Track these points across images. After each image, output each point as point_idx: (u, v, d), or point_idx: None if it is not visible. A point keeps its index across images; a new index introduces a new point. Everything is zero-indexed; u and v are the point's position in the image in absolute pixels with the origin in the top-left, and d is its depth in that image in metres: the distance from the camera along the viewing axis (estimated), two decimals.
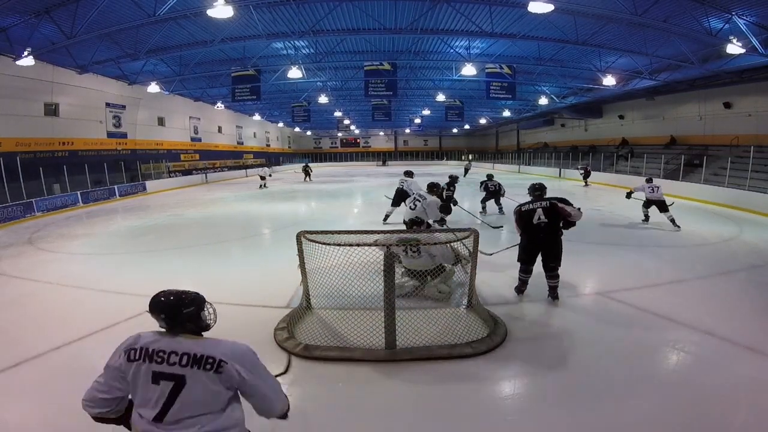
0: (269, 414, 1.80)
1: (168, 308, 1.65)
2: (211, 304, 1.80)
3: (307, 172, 25.43)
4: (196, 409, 1.56)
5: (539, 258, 4.64)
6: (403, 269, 4.77)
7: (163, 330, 1.68)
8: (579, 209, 4.49)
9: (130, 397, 1.66)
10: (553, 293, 4.66)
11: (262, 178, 21.46)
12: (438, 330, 3.81)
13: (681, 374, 3.31)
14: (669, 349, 3.66)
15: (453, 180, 9.73)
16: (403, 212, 7.05)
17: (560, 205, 4.45)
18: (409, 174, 9.86)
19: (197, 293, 1.76)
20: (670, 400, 2.85)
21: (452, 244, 4.39)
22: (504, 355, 3.53)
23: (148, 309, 1.68)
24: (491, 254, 5.99)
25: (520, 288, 4.86)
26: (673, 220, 8.88)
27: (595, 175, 21.06)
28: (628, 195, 10.12)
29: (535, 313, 4.44)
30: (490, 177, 11.13)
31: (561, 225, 4.50)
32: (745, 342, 3.63)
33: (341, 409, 2.90)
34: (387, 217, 9.61)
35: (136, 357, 1.60)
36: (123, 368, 1.61)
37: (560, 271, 4.61)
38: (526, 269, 4.73)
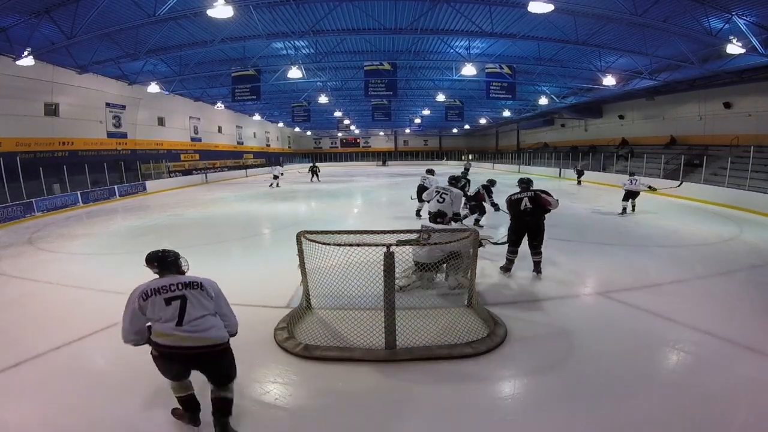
0: (231, 329, 2.65)
1: (158, 259, 2.63)
2: (184, 257, 2.72)
3: (314, 172, 25.23)
4: (198, 312, 2.45)
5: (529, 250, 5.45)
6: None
7: (157, 276, 2.59)
8: (557, 200, 5.42)
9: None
10: (537, 268, 5.53)
11: (275, 177, 21.39)
12: (438, 330, 3.81)
13: (681, 374, 3.31)
14: (669, 349, 3.66)
15: (491, 183, 9.17)
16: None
17: (543, 195, 5.35)
18: (430, 172, 10.34)
19: (174, 250, 2.71)
20: (670, 400, 2.85)
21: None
22: (504, 355, 3.53)
23: (145, 263, 2.66)
24: (498, 242, 6.26)
25: (507, 267, 5.63)
26: (634, 206, 11.03)
27: (595, 176, 21.15)
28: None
29: (535, 313, 4.44)
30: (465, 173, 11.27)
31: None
32: (745, 342, 3.63)
33: (341, 409, 2.90)
34: (419, 211, 10.12)
35: (150, 295, 2.43)
36: (142, 307, 2.42)
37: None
38: (513, 250, 5.57)
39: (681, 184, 13.16)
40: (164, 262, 2.61)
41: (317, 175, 25.05)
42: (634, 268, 5.98)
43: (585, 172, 21.12)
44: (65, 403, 2.96)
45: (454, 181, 7.42)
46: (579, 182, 20.71)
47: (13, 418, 2.83)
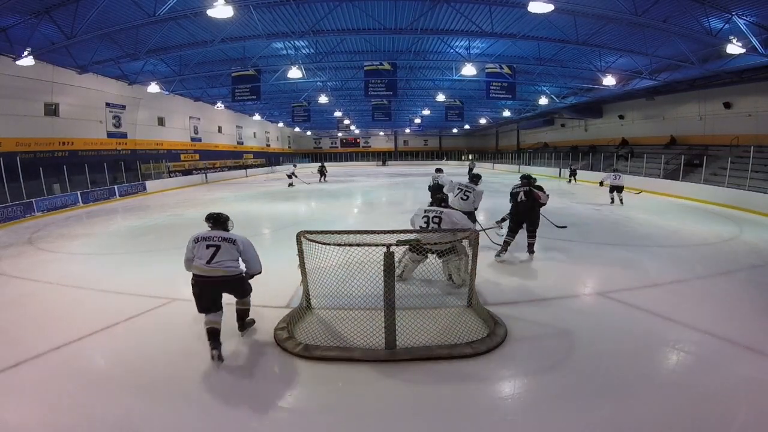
0: (252, 270, 3.84)
1: (213, 218, 3.80)
2: (232, 220, 3.91)
3: (322, 172, 25.32)
4: (224, 257, 3.57)
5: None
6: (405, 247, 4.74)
7: (209, 228, 3.76)
8: (547, 195, 6.41)
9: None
10: (530, 249, 6.53)
11: (289, 176, 21.52)
12: (438, 330, 3.81)
13: (681, 374, 3.31)
14: (669, 349, 3.66)
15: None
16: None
17: (535, 191, 6.30)
18: (439, 170, 10.87)
19: (226, 215, 3.86)
20: (670, 400, 2.85)
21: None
22: (504, 355, 3.53)
23: (204, 218, 3.82)
24: (500, 232, 7.12)
25: (503, 249, 6.34)
26: (621, 199, 12.54)
27: (594, 175, 21.16)
28: (601, 183, 13.03)
29: (535, 313, 4.43)
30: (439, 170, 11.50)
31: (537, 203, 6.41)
32: (745, 342, 3.63)
33: (341, 409, 2.90)
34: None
35: (199, 240, 3.62)
36: (191, 246, 3.63)
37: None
38: (510, 235, 6.39)
39: (640, 192, 15.71)
40: (217, 221, 3.79)
41: (325, 175, 25.10)
42: (634, 268, 5.98)
43: (578, 171, 22.02)
44: (65, 403, 2.96)
45: (475, 178, 7.47)
46: (572, 181, 21.49)
47: (13, 418, 2.83)
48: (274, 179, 27.24)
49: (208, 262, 3.52)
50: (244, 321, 3.96)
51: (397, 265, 4.78)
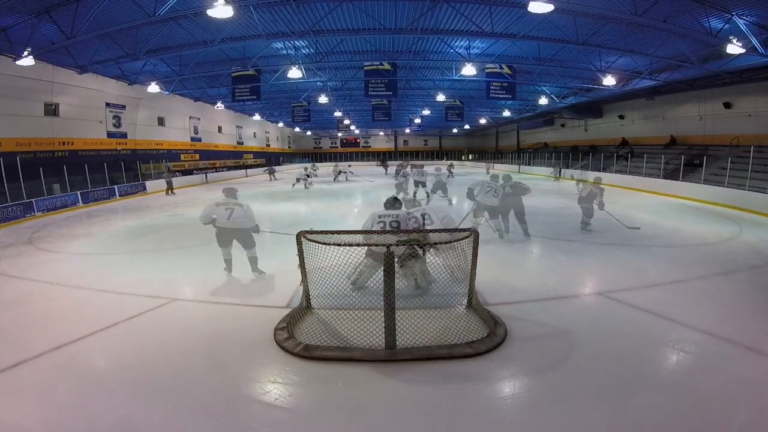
0: (252, 229, 5.69)
1: (227, 190, 5.91)
2: (239, 191, 6.03)
3: (339, 171, 25.31)
4: (238, 216, 5.57)
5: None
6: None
7: (224, 197, 5.76)
8: (529, 187, 7.88)
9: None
10: (526, 233, 7.74)
11: (308, 176, 21.15)
12: (438, 330, 3.81)
13: (681, 374, 3.31)
14: (669, 349, 3.66)
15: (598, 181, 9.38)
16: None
17: (519, 184, 7.74)
18: (438, 169, 13.02)
19: (235, 188, 5.96)
20: (670, 400, 2.85)
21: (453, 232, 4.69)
22: (504, 355, 3.52)
23: (221, 191, 5.95)
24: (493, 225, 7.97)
25: (506, 230, 7.78)
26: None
27: (589, 175, 21.18)
28: (571, 177, 14.99)
29: (535, 313, 4.43)
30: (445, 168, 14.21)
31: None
32: (745, 342, 3.63)
33: (341, 409, 2.90)
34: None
35: (219, 204, 5.62)
36: (212, 209, 5.60)
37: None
38: (506, 220, 7.77)
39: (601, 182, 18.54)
40: (230, 192, 5.76)
41: (339, 174, 25.09)
42: (634, 268, 5.98)
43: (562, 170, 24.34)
44: (65, 403, 2.96)
45: (501, 180, 8.08)
46: (556, 179, 23.81)
47: (13, 418, 2.83)
48: (276, 180, 27.15)
49: (228, 218, 5.43)
50: (255, 266, 5.71)
51: (353, 271, 4.58)
